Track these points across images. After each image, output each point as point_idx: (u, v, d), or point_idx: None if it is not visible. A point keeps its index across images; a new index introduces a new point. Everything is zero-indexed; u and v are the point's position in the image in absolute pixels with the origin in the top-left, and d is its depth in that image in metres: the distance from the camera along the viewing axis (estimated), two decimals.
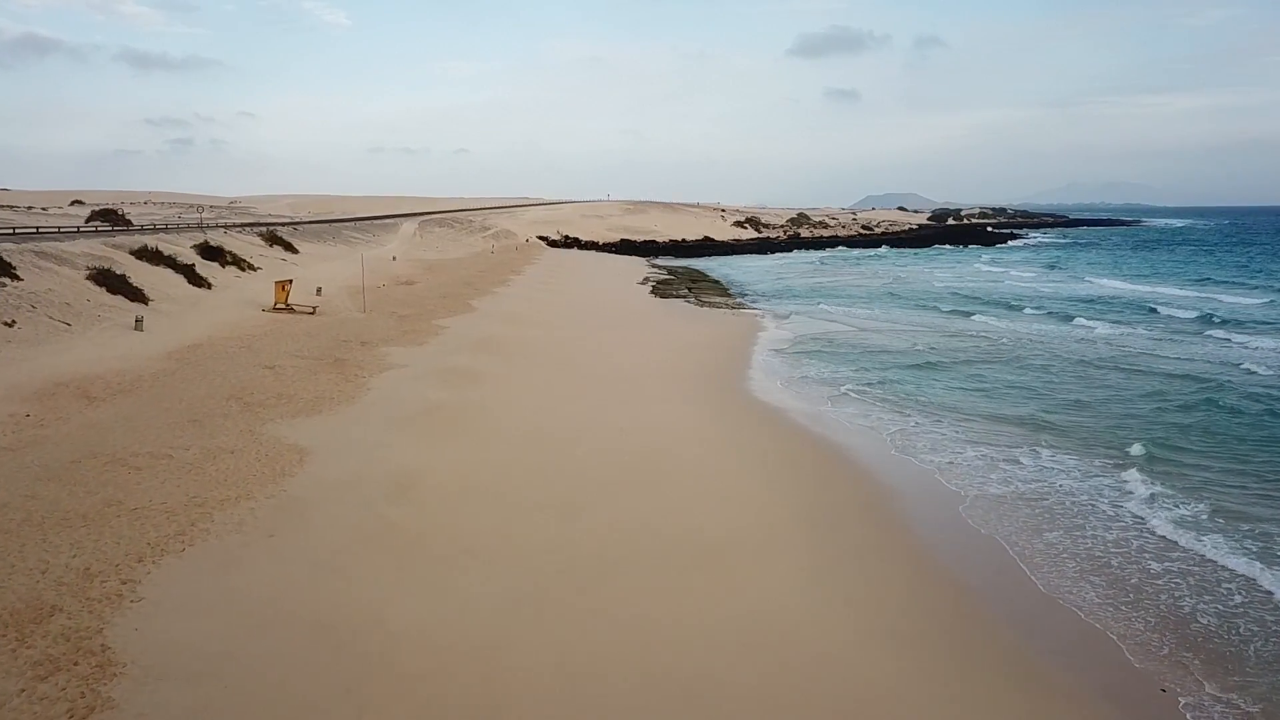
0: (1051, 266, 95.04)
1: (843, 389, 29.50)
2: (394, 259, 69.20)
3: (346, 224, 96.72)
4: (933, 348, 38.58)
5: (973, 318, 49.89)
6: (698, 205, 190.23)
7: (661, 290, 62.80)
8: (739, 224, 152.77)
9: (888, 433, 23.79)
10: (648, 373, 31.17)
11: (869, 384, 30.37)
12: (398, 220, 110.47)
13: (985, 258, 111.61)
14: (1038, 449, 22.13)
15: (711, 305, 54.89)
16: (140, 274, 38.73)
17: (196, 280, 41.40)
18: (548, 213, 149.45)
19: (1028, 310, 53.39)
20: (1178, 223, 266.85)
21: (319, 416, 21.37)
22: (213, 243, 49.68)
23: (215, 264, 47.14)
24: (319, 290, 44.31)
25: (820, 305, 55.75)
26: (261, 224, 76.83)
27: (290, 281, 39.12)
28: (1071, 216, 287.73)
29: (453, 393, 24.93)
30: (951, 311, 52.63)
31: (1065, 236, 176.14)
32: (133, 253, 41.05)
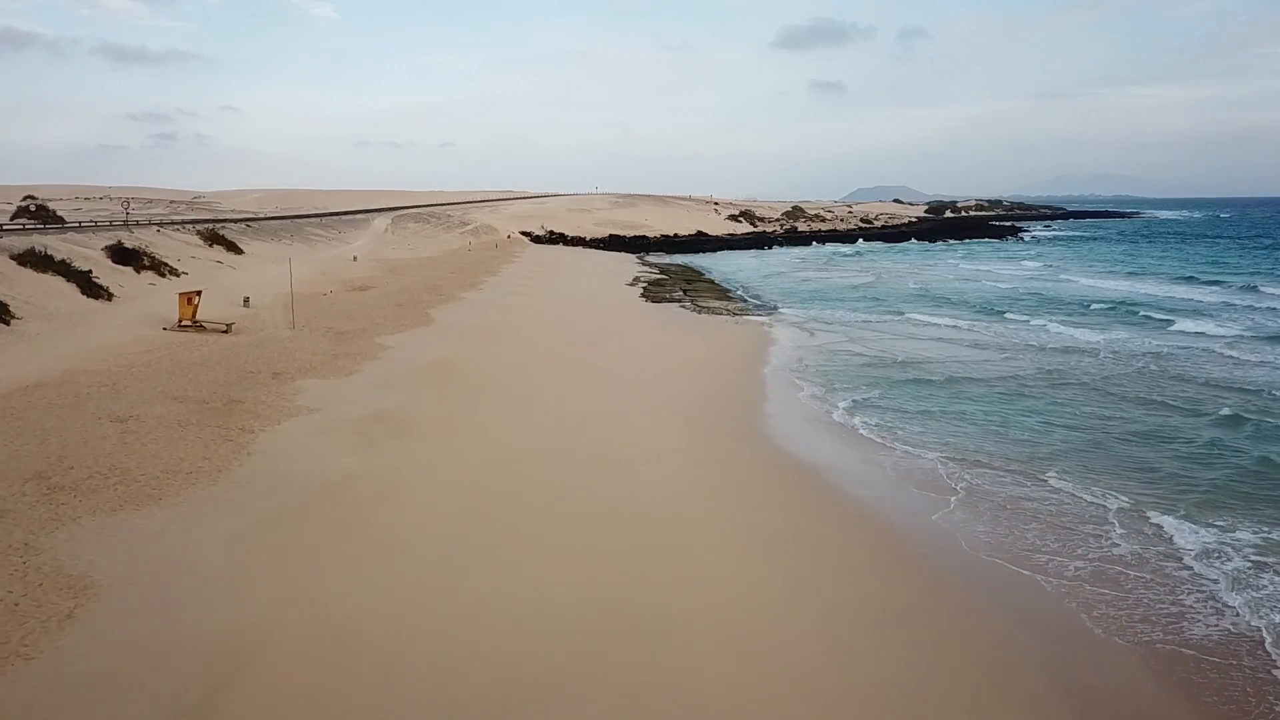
0: (1064, 266, 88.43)
1: (893, 431, 22.74)
2: (354, 259, 62.04)
3: (312, 220, 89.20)
4: (973, 366, 31.85)
5: (1011, 322, 43.32)
6: (690, 198, 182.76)
7: (654, 293, 55.88)
8: (733, 217, 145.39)
9: (966, 518, 17.00)
10: (637, 410, 24.36)
11: (913, 421, 23.75)
12: (370, 215, 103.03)
13: (996, 255, 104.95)
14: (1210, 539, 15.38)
15: (711, 311, 48.00)
16: (18, 284, 31.70)
17: (93, 290, 34.27)
18: (533, 206, 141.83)
19: (1050, 314, 46.77)
20: (1165, 214, 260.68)
21: (150, 509, 14.44)
22: (129, 244, 42.51)
23: (129, 269, 40.05)
24: (246, 300, 37.25)
25: (834, 311, 48.88)
26: (218, 220, 69.51)
27: (199, 293, 31.92)
28: (1068, 209, 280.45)
29: (366, 457, 18.03)
30: (991, 318, 46.00)
31: (1076, 229, 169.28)
32: (14, 257, 33.96)
